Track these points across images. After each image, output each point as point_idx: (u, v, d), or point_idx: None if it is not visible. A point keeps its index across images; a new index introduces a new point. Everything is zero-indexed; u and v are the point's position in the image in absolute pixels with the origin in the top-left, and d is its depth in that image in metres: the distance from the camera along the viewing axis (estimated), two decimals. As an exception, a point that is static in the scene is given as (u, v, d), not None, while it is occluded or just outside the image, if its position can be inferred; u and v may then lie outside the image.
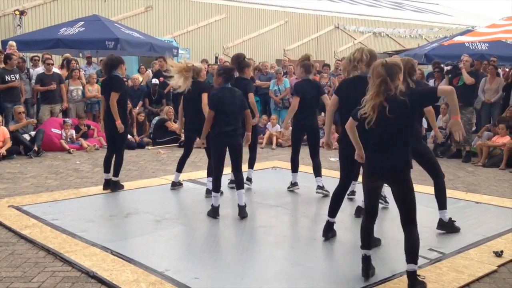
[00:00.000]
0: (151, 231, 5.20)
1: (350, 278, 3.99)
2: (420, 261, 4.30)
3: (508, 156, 8.80)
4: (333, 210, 4.87)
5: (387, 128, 3.63)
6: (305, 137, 6.80)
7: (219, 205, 5.65)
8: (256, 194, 6.75)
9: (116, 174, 6.73)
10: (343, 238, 5.10)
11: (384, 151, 3.69)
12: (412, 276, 3.73)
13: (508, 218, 5.65)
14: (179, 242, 5.03)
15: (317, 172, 6.61)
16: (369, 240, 3.97)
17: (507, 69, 12.04)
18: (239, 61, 6.76)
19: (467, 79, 9.28)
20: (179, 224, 5.51)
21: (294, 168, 6.82)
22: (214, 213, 5.61)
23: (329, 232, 4.92)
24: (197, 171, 8.08)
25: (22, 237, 4.89)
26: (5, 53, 10.57)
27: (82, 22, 13.31)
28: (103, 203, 6.30)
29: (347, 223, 5.49)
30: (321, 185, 6.56)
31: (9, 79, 10.02)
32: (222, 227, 5.41)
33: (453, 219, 5.19)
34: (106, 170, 6.75)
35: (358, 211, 5.55)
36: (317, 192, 6.56)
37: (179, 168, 6.88)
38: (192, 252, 4.69)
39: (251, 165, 7.06)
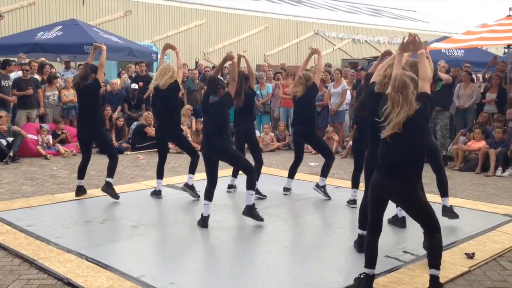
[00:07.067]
0: (127, 236, 5.17)
1: (327, 282, 4.02)
2: (394, 263, 4.40)
3: (483, 161, 8.97)
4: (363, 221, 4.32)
5: None
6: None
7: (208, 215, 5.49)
8: (233, 199, 6.76)
9: (110, 175, 6.49)
10: (323, 242, 5.17)
11: None
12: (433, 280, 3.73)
13: (480, 221, 5.77)
14: (155, 247, 5.00)
15: (322, 172, 6.71)
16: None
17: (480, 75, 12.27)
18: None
19: (444, 77, 9.32)
20: (155, 229, 5.48)
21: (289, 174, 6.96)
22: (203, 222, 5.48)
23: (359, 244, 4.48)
24: (176, 176, 8.05)
25: (-4, 244, 4.81)
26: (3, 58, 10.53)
27: (60, 26, 13.11)
28: (79, 209, 6.24)
29: (328, 228, 5.52)
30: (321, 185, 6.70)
31: (4, 84, 9.94)
32: (199, 232, 5.39)
33: None
34: (80, 177, 6.70)
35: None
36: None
37: (160, 175, 6.77)
38: (168, 258, 4.67)
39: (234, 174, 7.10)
